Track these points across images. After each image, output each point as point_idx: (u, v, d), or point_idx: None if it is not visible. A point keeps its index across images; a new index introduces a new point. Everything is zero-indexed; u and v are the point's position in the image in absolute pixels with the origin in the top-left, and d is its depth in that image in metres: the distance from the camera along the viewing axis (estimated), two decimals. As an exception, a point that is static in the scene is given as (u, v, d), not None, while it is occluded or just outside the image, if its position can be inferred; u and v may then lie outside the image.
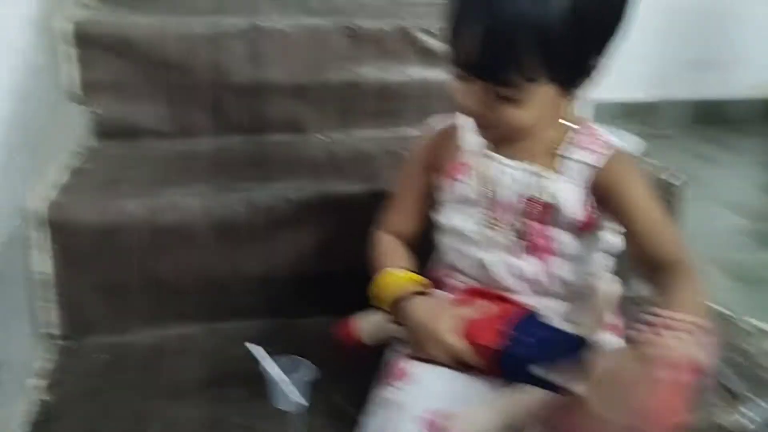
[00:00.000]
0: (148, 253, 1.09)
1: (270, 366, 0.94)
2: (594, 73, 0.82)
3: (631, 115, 3.25)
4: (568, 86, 0.81)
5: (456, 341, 0.84)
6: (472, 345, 0.84)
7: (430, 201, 0.98)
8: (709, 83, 3.34)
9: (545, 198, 0.86)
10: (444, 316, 0.85)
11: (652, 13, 3.09)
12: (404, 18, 1.40)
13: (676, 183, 1.23)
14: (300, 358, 0.98)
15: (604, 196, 0.87)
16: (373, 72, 1.38)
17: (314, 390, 0.99)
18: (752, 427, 0.97)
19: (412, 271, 0.94)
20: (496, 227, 0.89)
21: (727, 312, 1.23)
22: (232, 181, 1.17)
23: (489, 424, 0.79)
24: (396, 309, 0.89)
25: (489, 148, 0.90)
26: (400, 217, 1.01)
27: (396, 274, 0.92)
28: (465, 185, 0.90)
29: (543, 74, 0.77)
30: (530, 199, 0.87)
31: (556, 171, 0.87)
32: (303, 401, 0.95)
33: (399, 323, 0.90)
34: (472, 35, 0.75)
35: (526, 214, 0.88)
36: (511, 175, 0.88)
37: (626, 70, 3.19)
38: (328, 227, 1.15)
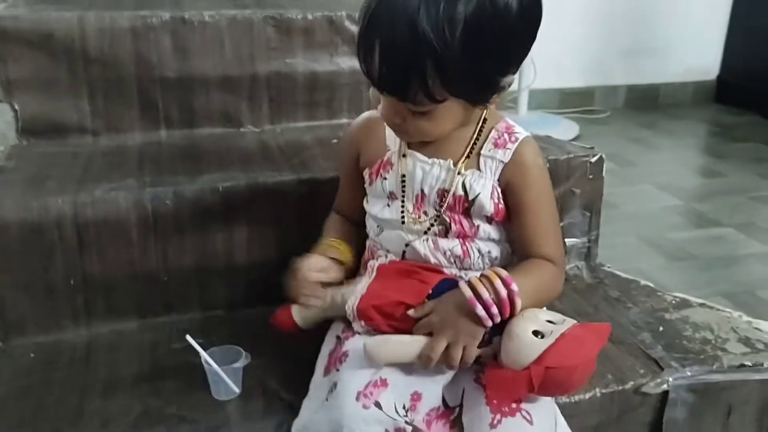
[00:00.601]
0: (75, 249, 1.07)
1: (208, 358, 0.94)
2: (503, 87, 0.84)
3: (568, 101, 3.32)
4: (475, 101, 0.85)
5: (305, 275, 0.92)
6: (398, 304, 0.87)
7: (361, 185, 0.99)
8: (643, 69, 3.43)
9: (460, 193, 0.90)
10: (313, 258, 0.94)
11: (587, 3, 3.18)
12: (331, 7, 1.41)
13: (593, 160, 1.27)
14: (234, 346, 0.98)
15: (506, 190, 0.91)
16: (302, 62, 1.39)
17: (249, 377, 1.00)
18: (674, 392, 1.01)
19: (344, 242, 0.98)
20: (418, 219, 0.92)
21: (651, 285, 1.28)
22: (161, 175, 1.16)
23: (400, 348, 0.84)
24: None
25: (411, 148, 0.93)
26: (343, 198, 1.05)
27: (319, 243, 0.98)
28: (387, 181, 0.93)
29: (445, 93, 0.80)
30: (447, 194, 0.90)
31: (473, 168, 0.91)
32: (237, 390, 0.96)
33: None
34: (374, 55, 0.78)
35: (445, 206, 0.91)
36: (429, 173, 0.91)
37: (563, 59, 3.28)
38: (259, 217, 1.15)
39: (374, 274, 0.92)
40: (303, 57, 1.38)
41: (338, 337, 0.94)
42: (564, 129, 2.89)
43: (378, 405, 0.80)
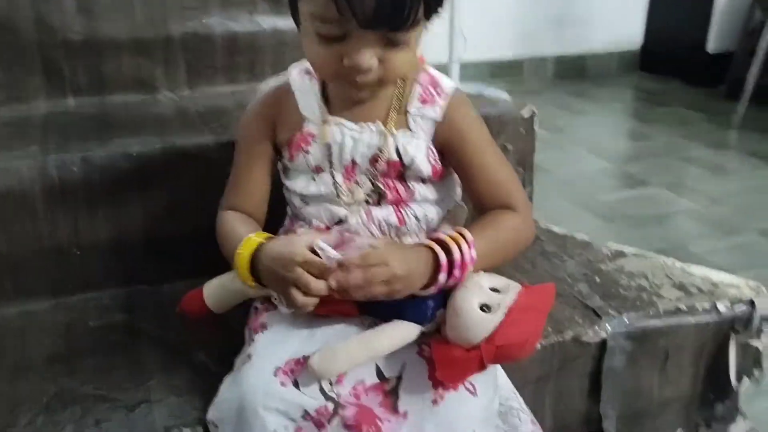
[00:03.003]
0: (-26, 225, 0.99)
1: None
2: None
3: (498, 73, 3.34)
4: (430, 17, 0.77)
5: (311, 256, 0.76)
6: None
7: (272, 168, 0.92)
8: (570, 40, 3.48)
9: (393, 156, 0.84)
10: (298, 241, 0.79)
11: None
12: (248, -37, 1.34)
13: (526, 116, 1.25)
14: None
15: (444, 150, 0.87)
16: (219, 22, 1.31)
17: (176, 351, 0.94)
18: (612, 340, 1.01)
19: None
20: (350, 189, 0.86)
21: (587, 238, 1.27)
22: (68, 142, 1.08)
23: (352, 356, 0.77)
24: (255, 264, 0.80)
25: (332, 113, 0.86)
26: (244, 192, 0.92)
27: (249, 238, 0.82)
28: (310, 155, 0.86)
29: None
30: (379, 159, 0.84)
31: (403, 128, 0.85)
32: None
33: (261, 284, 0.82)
34: None
35: (378, 172, 0.85)
36: (358, 139, 0.84)
37: (493, 32, 3.28)
38: (179, 185, 1.08)
39: None
40: (220, 16, 1.31)
41: (256, 308, 0.88)
42: (497, 96, 2.90)
43: (296, 384, 0.75)
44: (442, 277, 0.77)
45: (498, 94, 2.99)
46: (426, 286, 0.78)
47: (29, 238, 1.02)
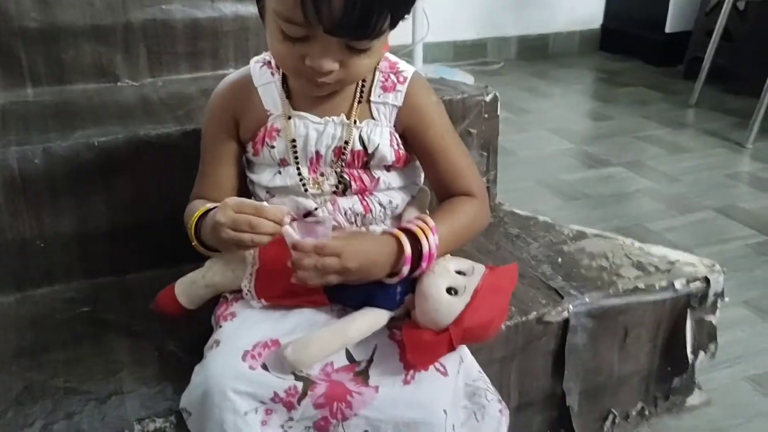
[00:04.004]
0: (-67, 220, 0.97)
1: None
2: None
3: (462, 54, 3.35)
4: (395, 26, 0.77)
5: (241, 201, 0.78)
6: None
7: (239, 159, 0.92)
8: (532, 20, 3.50)
9: (359, 147, 0.85)
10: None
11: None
12: (208, -52, 1.32)
13: (487, 99, 1.27)
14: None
15: (405, 133, 0.88)
16: (180, 9, 1.30)
17: (146, 341, 0.95)
18: (574, 319, 1.04)
19: None
20: (315, 181, 0.87)
21: (549, 220, 1.30)
22: (28, 133, 1.06)
23: (324, 346, 0.78)
24: (208, 222, 0.82)
25: (295, 107, 0.86)
26: (211, 181, 0.92)
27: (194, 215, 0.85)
28: (275, 149, 0.86)
29: (398, 17, 0.74)
30: (343, 150, 0.85)
31: (366, 117, 0.86)
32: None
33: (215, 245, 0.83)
34: None
35: (342, 163, 0.86)
36: (322, 132, 0.85)
37: (455, 12, 3.28)
38: (143, 174, 1.07)
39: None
40: (181, 3, 1.29)
41: (225, 297, 0.89)
42: (459, 81, 2.91)
43: (265, 367, 0.76)
44: (405, 269, 0.79)
45: (461, 76, 3.01)
46: (392, 275, 0.80)
47: (-10, 232, 1.01)
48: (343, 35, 0.73)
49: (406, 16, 0.76)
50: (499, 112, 1.31)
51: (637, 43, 3.45)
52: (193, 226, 0.84)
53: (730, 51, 2.87)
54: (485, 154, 1.32)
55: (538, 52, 3.54)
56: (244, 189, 0.93)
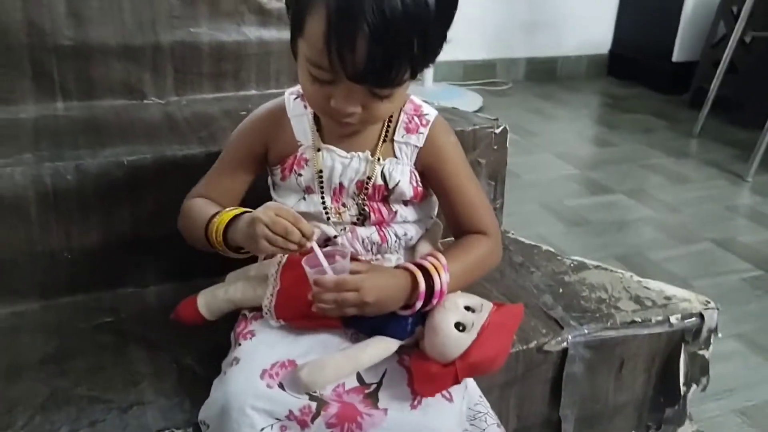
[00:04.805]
0: (-31, 229, 1.02)
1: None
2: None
3: (471, 73, 3.40)
4: (416, 76, 0.82)
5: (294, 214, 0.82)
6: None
7: (252, 178, 0.97)
8: (541, 43, 3.56)
9: (379, 182, 0.91)
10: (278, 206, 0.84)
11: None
12: (237, -24, 1.38)
13: (497, 131, 1.32)
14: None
15: (425, 173, 0.94)
16: (207, 32, 1.35)
17: (164, 354, 0.99)
18: (572, 349, 1.08)
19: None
20: (337, 211, 0.92)
21: (552, 250, 1.35)
22: (60, 149, 1.11)
23: (338, 370, 0.83)
24: (245, 218, 0.84)
25: (325, 140, 0.91)
26: (218, 185, 0.97)
27: (215, 218, 0.88)
28: (302, 177, 0.91)
29: (423, 66, 0.79)
30: (366, 184, 0.91)
31: (390, 156, 0.92)
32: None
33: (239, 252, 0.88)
34: (356, 44, 0.73)
35: (364, 196, 0.91)
36: (348, 165, 0.90)
37: (466, 32, 3.34)
38: (166, 191, 1.12)
39: (283, 261, 0.90)
40: (208, 26, 1.35)
41: (244, 315, 0.93)
42: (468, 100, 2.96)
43: (281, 386, 0.80)
44: (419, 304, 0.84)
45: (470, 95, 3.06)
46: (405, 307, 0.85)
47: (22, 243, 1.05)
48: (365, 83, 0.78)
49: (427, 68, 0.81)
50: (508, 144, 1.36)
51: (644, 70, 3.50)
52: (225, 223, 0.86)
53: (735, 83, 2.92)
54: (493, 183, 1.37)
55: (546, 75, 3.60)
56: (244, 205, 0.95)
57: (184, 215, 0.97)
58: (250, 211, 0.84)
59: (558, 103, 3.26)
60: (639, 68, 3.53)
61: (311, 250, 0.82)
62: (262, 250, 0.82)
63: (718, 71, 2.82)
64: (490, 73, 3.47)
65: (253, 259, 0.95)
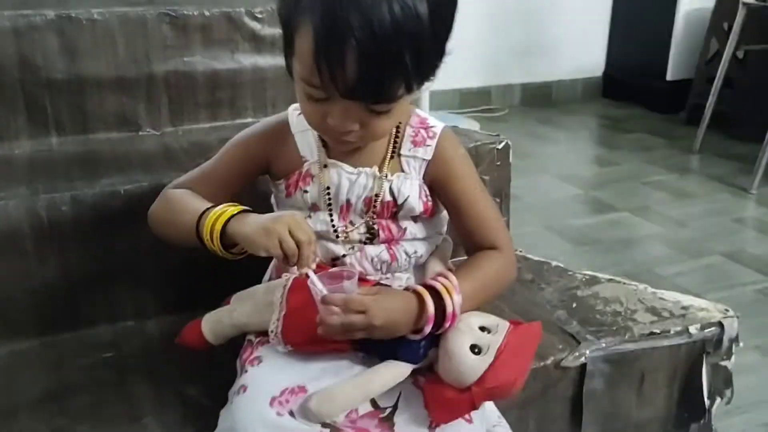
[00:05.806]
0: (-37, 266, 0.99)
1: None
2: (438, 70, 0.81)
3: (467, 101, 3.41)
4: (421, 86, 0.80)
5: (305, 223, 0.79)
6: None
7: (244, 184, 0.95)
8: (536, 68, 3.58)
9: (387, 197, 0.88)
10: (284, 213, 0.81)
11: (481, 7, 3.27)
12: (229, 3, 1.36)
13: (499, 147, 1.30)
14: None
15: (434, 187, 0.91)
16: (201, 61, 1.33)
17: (168, 386, 0.95)
18: (591, 364, 1.04)
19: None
20: (345, 228, 0.89)
21: (562, 265, 1.31)
22: (55, 181, 1.09)
23: (349, 399, 0.79)
24: (229, 231, 0.80)
25: (330, 156, 0.89)
26: (211, 185, 0.93)
27: (215, 208, 0.83)
28: (308, 194, 0.89)
29: (420, 81, 0.77)
30: (374, 201, 0.88)
31: (397, 171, 0.89)
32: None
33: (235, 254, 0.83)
34: (346, 61, 0.71)
35: (373, 213, 0.89)
36: (355, 182, 0.88)
37: (460, 60, 3.36)
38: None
39: (289, 285, 0.87)
40: (202, 55, 1.33)
41: (250, 340, 0.90)
42: (465, 128, 2.96)
43: (292, 414, 0.76)
44: (427, 329, 0.80)
45: (467, 123, 3.06)
46: (416, 331, 0.81)
47: (18, 278, 1.03)
48: (359, 99, 0.76)
49: (425, 83, 0.78)
50: (511, 159, 1.34)
51: (639, 90, 3.51)
52: (230, 214, 0.81)
53: (731, 98, 2.93)
54: (497, 200, 1.34)
55: (541, 100, 3.61)
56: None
57: (167, 200, 0.92)
58: (251, 210, 0.82)
59: (555, 126, 3.26)
60: (634, 89, 3.54)
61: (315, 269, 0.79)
62: (268, 247, 0.76)
63: (713, 87, 2.82)
64: (486, 99, 3.48)
65: (248, 275, 0.93)
